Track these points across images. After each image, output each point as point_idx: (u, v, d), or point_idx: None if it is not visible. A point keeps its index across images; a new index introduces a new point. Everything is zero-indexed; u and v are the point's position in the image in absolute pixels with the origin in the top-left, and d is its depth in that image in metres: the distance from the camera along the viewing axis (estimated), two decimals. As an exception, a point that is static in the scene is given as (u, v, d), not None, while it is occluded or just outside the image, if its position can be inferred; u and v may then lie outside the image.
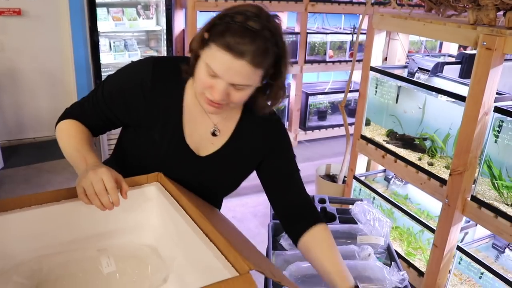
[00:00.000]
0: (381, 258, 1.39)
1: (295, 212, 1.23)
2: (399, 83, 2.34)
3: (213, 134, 1.22)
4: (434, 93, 2.10)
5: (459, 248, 2.00)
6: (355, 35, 4.25)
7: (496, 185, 1.85)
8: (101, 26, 3.44)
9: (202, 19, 3.81)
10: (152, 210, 1.04)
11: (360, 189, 2.72)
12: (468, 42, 1.82)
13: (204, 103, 1.10)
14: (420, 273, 2.23)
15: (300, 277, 1.23)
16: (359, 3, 4.25)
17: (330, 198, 1.64)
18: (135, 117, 1.18)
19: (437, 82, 2.25)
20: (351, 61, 4.44)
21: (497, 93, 1.82)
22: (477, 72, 1.75)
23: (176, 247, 0.94)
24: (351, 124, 3.61)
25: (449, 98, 2.02)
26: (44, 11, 3.67)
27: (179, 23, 3.83)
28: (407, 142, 2.36)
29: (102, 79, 1.34)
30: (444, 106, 2.17)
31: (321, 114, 4.55)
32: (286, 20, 4.35)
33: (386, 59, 2.77)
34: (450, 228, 1.96)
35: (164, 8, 3.59)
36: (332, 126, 4.56)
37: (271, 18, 1.04)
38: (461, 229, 2.05)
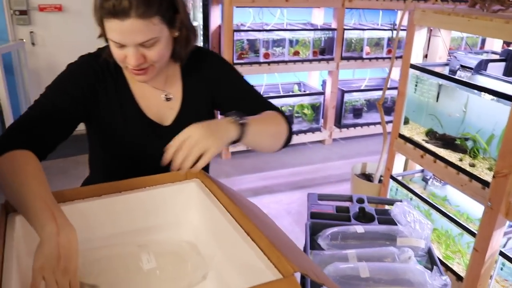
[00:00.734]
0: (421, 261, 1.35)
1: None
2: (440, 81, 2.27)
3: (168, 99, 1.24)
4: (477, 91, 2.03)
5: (501, 254, 1.93)
6: (394, 32, 4.17)
7: (543, 188, 1.77)
8: (139, 22, 3.47)
9: (239, 14, 3.81)
10: (191, 206, 1.04)
11: (396, 189, 2.66)
12: (517, 39, 1.75)
13: (132, 75, 1.13)
14: (459, 278, 2.17)
15: (339, 278, 1.21)
16: (398, -1, 4.16)
17: (368, 198, 1.61)
18: (94, 112, 1.18)
19: (480, 80, 2.17)
20: (388, 58, 4.36)
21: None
22: (525, 70, 1.68)
23: (215, 245, 0.94)
24: (388, 123, 3.54)
25: (494, 97, 1.94)
26: (84, 6, 3.74)
27: (215, 19, 3.84)
28: (448, 142, 2.29)
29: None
30: (488, 105, 2.10)
31: (357, 112, 4.48)
32: (323, 16, 4.29)
33: (426, 56, 2.70)
34: (492, 232, 1.89)
35: (201, 3, 3.60)
36: (368, 124, 4.49)
37: None
38: (504, 234, 1.97)
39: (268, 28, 3.93)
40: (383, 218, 1.50)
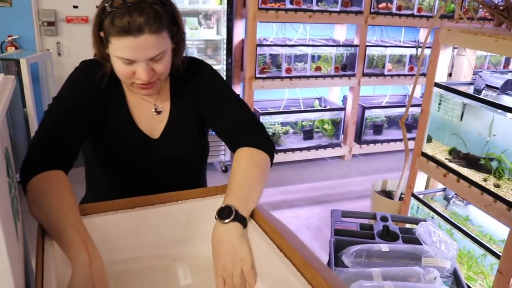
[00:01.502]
0: (447, 282, 1.34)
1: (237, 132, 1.21)
2: (465, 100, 2.26)
3: (158, 112, 1.25)
4: (503, 111, 2.01)
5: (526, 276, 1.90)
6: (417, 49, 4.16)
7: None
8: (164, 35, 3.53)
9: (262, 29, 3.85)
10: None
11: (418, 207, 2.63)
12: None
13: (138, 90, 1.15)
14: (481, 299, 2.14)
15: (363, 297, 1.20)
16: (421, 16, 4.16)
17: (392, 217, 1.60)
18: (94, 115, 1.19)
19: (506, 100, 2.15)
20: (410, 75, 4.34)
21: None
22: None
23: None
24: (409, 140, 3.52)
25: (520, 118, 1.93)
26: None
27: (238, 33, 3.88)
28: (472, 161, 2.27)
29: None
30: (513, 125, 2.08)
31: (377, 128, 4.46)
32: (345, 32, 4.31)
33: (450, 74, 2.69)
34: (517, 254, 1.86)
35: (225, 18, 3.65)
36: (388, 141, 4.47)
37: None
38: (530, 256, 1.94)
39: (291, 43, 3.96)
40: (408, 237, 1.49)
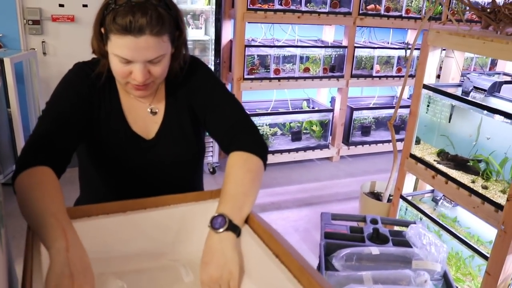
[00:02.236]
0: (437, 285, 1.33)
1: (230, 134, 1.20)
2: (454, 102, 2.27)
3: (154, 113, 1.24)
4: (491, 113, 2.02)
5: (514, 278, 1.91)
6: (406, 51, 4.18)
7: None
8: (151, 35, 3.49)
9: (250, 30, 3.83)
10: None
11: (406, 209, 2.64)
12: (533, 63, 1.74)
13: (132, 91, 1.14)
14: (470, 301, 2.14)
15: (354, 301, 1.19)
16: (409, 18, 4.18)
17: (382, 219, 1.60)
18: (88, 117, 1.17)
19: (494, 102, 2.16)
20: (398, 76, 4.36)
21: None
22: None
23: (243, 266, 0.92)
24: (398, 141, 3.53)
25: (508, 120, 1.93)
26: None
27: (226, 34, 3.86)
28: (460, 163, 2.28)
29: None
30: (501, 127, 2.09)
31: (365, 130, 4.47)
32: (333, 33, 4.31)
33: (439, 76, 2.70)
34: (506, 256, 1.87)
35: (214, 18, 3.62)
36: (376, 142, 4.48)
37: None
38: (517, 258, 1.95)
39: (279, 44, 3.95)
40: (397, 240, 1.49)
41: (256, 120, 3.91)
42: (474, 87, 2.27)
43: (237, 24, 3.56)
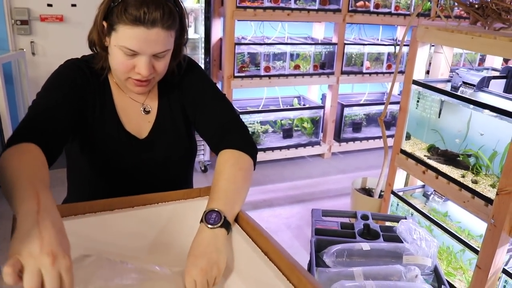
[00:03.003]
0: (428, 280, 1.34)
1: (220, 133, 1.20)
2: (443, 97, 2.28)
3: (147, 112, 1.24)
4: (480, 108, 2.03)
5: (504, 271, 1.92)
6: (395, 47, 4.19)
7: (546, 206, 1.77)
8: (141, 34, 3.48)
9: (240, 27, 3.82)
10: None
11: (397, 204, 2.65)
12: (520, 58, 1.75)
13: (132, 86, 1.13)
14: (461, 295, 2.16)
15: (345, 297, 1.19)
16: (398, 14, 4.19)
17: (373, 215, 1.60)
18: (79, 113, 1.15)
19: (483, 97, 2.18)
20: (388, 73, 4.37)
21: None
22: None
23: (232, 265, 0.92)
24: (388, 137, 3.54)
25: (496, 114, 1.95)
26: (85, 18, 3.74)
27: (216, 32, 3.85)
28: (450, 158, 2.29)
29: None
30: (490, 122, 2.10)
31: (356, 126, 4.49)
32: (323, 30, 4.32)
33: (428, 72, 2.71)
34: (495, 250, 1.88)
35: (203, 16, 3.61)
36: (367, 139, 4.49)
37: None
38: (508, 251, 1.96)
39: (269, 41, 3.95)
40: (388, 235, 1.49)
41: (247, 117, 3.91)
42: (463, 82, 2.28)
43: (226, 22, 3.56)
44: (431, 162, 2.31)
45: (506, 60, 3.68)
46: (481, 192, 2.01)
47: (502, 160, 1.98)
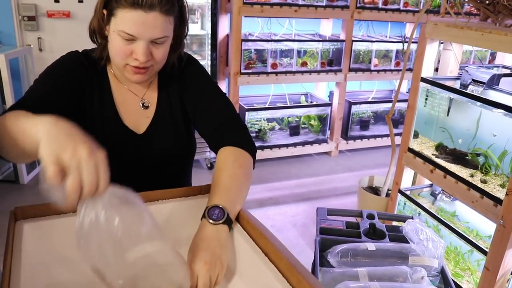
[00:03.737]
0: (434, 281, 1.31)
1: (219, 131, 1.18)
2: (452, 95, 2.24)
3: (145, 107, 1.22)
4: (489, 106, 1.99)
5: (513, 273, 1.89)
6: (404, 44, 4.15)
7: (557, 207, 1.73)
8: (147, 30, 3.47)
9: (247, 24, 3.80)
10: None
11: (404, 203, 2.62)
12: (532, 55, 1.72)
13: (130, 74, 1.11)
14: (468, 296, 2.12)
15: (349, 298, 1.17)
16: (407, 11, 4.14)
17: (379, 214, 1.57)
18: (76, 106, 1.14)
19: (492, 95, 2.14)
20: (396, 70, 4.33)
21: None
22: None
23: (231, 264, 0.90)
24: (395, 135, 3.50)
25: (507, 113, 1.91)
26: (92, 14, 3.74)
27: (223, 28, 3.83)
28: (458, 157, 2.25)
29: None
30: (500, 120, 2.06)
31: (364, 124, 4.45)
32: (331, 27, 4.28)
33: (437, 69, 2.67)
34: (504, 251, 1.84)
35: (210, 13, 3.59)
36: (374, 136, 4.45)
37: None
38: (516, 252, 1.93)
39: (276, 38, 3.92)
40: (394, 235, 1.47)
41: (253, 114, 3.89)
42: (473, 80, 2.24)
43: (233, 18, 3.53)
44: (439, 161, 2.27)
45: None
46: (490, 192, 1.97)
47: (512, 159, 1.94)
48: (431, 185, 2.66)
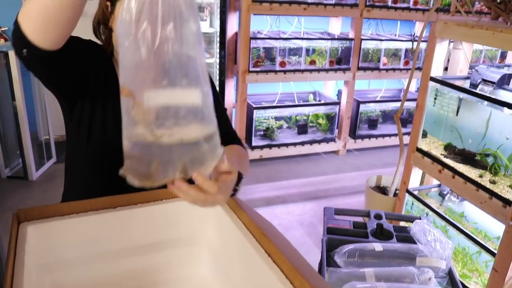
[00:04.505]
0: (442, 283, 1.30)
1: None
2: (461, 95, 2.22)
3: None
4: (500, 106, 1.97)
5: (522, 274, 1.87)
6: (413, 43, 4.12)
7: None
8: (156, 27, 3.47)
9: (256, 22, 3.79)
10: (209, 222, 0.99)
11: (412, 203, 2.60)
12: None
13: None
14: (476, 297, 2.11)
15: (356, 299, 1.16)
16: (417, 10, 4.11)
17: (386, 214, 1.56)
18: (80, 91, 1.09)
19: (503, 95, 2.12)
20: (405, 69, 4.30)
21: None
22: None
23: (234, 266, 0.89)
24: (404, 134, 3.48)
25: (517, 113, 1.89)
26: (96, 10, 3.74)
27: (232, 26, 3.82)
28: (467, 157, 2.24)
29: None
30: (510, 120, 2.04)
31: (372, 123, 4.43)
32: (340, 26, 4.26)
33: (446, 69, 2.65)
34: (513, 252, 1.83)
35: (219, 10, 3.59)
36: (383, 136, 4.43)
37: None
38: (525, 254, 1.91)
39: (285, 36, 3.91)
40: (402, 236, 1.46)
41: (261, 113, 3.88)
42: (483, 79, 2.22)
43: (242, 16, 3.53)
44: (448, 161, 2.26)
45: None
46: (499, 193, 1.96)
47: (522, 160, 1.92)
48: (439, 185, 2.65)
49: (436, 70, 2.35)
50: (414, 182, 2.62)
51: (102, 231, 0.89)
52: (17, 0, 3.55)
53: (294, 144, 4.04)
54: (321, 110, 4.14)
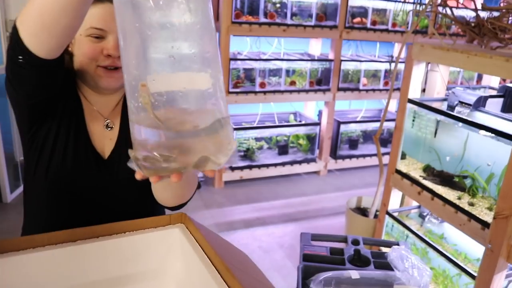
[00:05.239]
0: (420, 311, 1.27)
1: None
2: (439, 117, 2.23)
3: (109, 127, 1.16)
4: (476, 128, 1.98)
5: (502, 298, 1.85)
6: (392, 64, 4.16)
7: (545, 232, 1.71)
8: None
9: (236, 43, 3.79)
10: (174, 255, 0.95)
11: (392, 225, 2.59)
12: (517, 78, 1.71)
13: (102, 78, 1.06)
14: (457, 321, 2.08)
15: (331, 330, 1.13)
16: (395, 31, 4.16)
17: (364, 240, 1.54)
18: (45, 111, 1.06)
19: (479, 117, 2.13)
20: (385, 89, 4.34)
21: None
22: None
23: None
24: (384, 154, 3.48)
25: (494, 135, 1.89)
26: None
27: (212, 47, 3.81)
28: (446, 179, 2.23)
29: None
30: (487, 142, 2.05)
31: (353, 143, 4.44)
32: (320, 47, 4.29)
33: (424, 90, 2.67)
34: (493, 276, 1.81)
35: (198, 31, 3.58)
36: (364, 156, 4.44)
37: None
38: (506, 276, 1.90)
39: (265, 57, 3.92)
40: (379, 262, 1.43)
41: (241, 133, 3.86)
42: (460, 101, 2.23)
43: (221, 37, 3.52)
44: (427, 183, 2.25)
45: (504, 79, 3.64)
46: (478, 216, 1.95)
47: (499, 182, 1.92)
48: (419, 207, 2.64)
49: (414, 92, 2.36)
50: (394, 203, 2.61)
51: (63, 266, 0.85)
52: (-7, 20, 3.50)
53: (275, 164, 4.02)
54: (302, 130, 4.14)
